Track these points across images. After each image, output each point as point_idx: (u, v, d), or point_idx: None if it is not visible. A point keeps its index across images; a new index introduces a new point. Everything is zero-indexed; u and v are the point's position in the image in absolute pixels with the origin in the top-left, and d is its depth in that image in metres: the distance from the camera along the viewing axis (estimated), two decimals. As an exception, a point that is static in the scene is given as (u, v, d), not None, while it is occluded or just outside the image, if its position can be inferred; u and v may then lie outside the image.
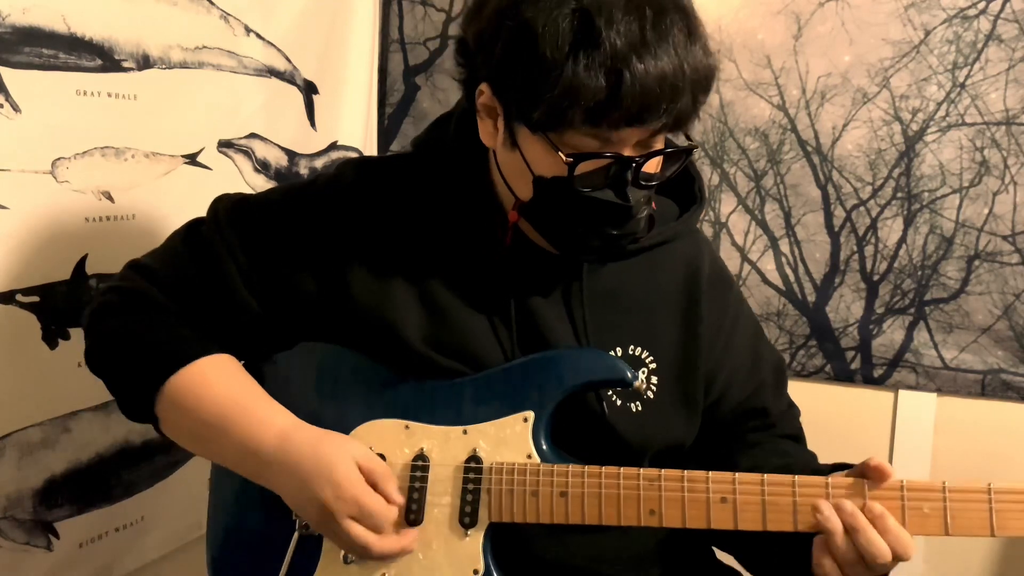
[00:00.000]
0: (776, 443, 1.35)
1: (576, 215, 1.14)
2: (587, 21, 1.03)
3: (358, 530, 1.13)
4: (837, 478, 1.13)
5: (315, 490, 1.14)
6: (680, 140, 1.18)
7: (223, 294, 1.25)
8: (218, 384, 1.21)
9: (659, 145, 1.13)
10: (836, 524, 1.09)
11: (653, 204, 1.20)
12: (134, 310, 1.25)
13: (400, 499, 1.17)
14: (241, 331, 1.26)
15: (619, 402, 1.24)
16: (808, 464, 1.27)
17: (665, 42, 1.04)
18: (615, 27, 1.03)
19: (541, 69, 1.05)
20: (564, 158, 1.09)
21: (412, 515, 1.18)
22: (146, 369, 1.21)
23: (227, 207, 1.29)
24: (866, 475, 1.12)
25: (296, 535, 1.22)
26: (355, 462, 1.15)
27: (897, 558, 1.09)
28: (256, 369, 1.28)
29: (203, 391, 1.20)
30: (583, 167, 1.10)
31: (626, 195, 1.11)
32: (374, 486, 1.15)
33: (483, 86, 1.14)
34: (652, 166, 1.15)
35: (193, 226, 1.31)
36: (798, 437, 1.39)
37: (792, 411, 1.41)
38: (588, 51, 1.03)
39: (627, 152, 1.10)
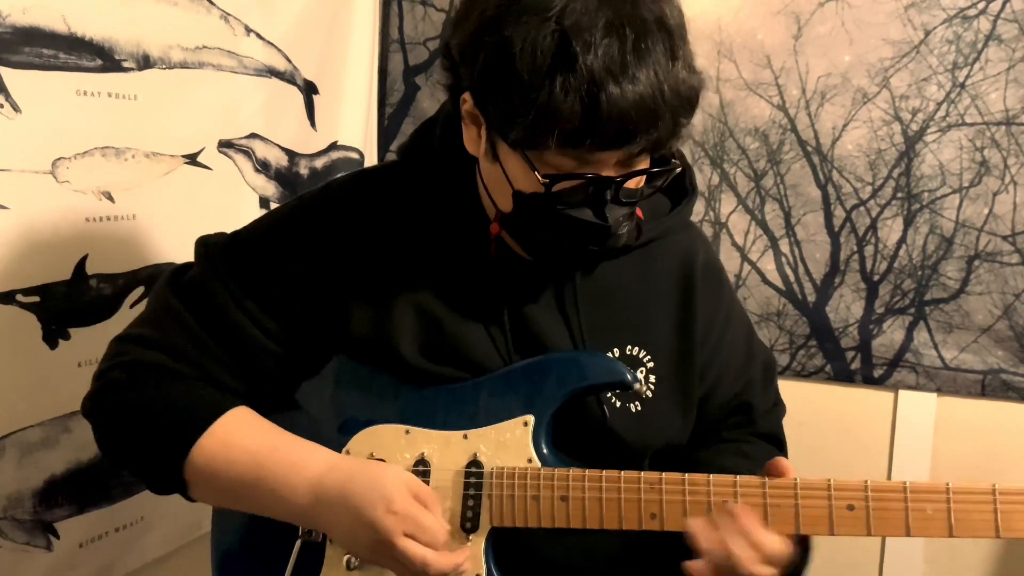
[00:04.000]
0: (746, 443, 1.34)
1: (554, 232, 1.13)
2: (565, 43, 1.00)
3: (416, 548, 1.11)
4: (838, 480, 1.12)
5: (366, 510, 1.12)
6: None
7: (237, 340, 1.22)
8: (246, 438, 1.18)
9: (643, 163, 1.11)
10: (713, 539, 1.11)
11: (639, 211, 1.19)
12: (143, 383, 1.20)
13: (446, 523, 1.16)
14: (258, 372, 1.24)
15: (618, 403, 1.24)
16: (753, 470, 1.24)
17: (644, 65, 1.01)
18: (592, 50, 1.00)
19: (518, 90, 1.02)
20: (540, 178, 1.07)
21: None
22: (169, 441, 1.17)
23: (218, 251, 1.26)
24: (768, 473, 1.14)
25: (299, 542, 1.22)
26: (403, 482, 1.14)
27: (769, 559, 1.10)
28: (264, 390, 1.26)
29: (232, 450, 1.17)
30: (561, 185, 1.08)
31: (604, 214, 1.09)
32: (423, 505, 1.14)
33: (467, 95, 1.12)
34: (635, 182, 1.13)
35: (176, 277, 1.26)
36: (777, 437, 1.39)
37: (776, 410, 1.41)
38: (564, 74, 1.00)
39: (607, 171, 1.08)
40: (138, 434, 1.20)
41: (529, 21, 1.02)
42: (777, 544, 1.11)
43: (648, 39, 1.02)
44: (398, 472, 1.16)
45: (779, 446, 1.39)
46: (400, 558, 1.11)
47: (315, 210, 1.26)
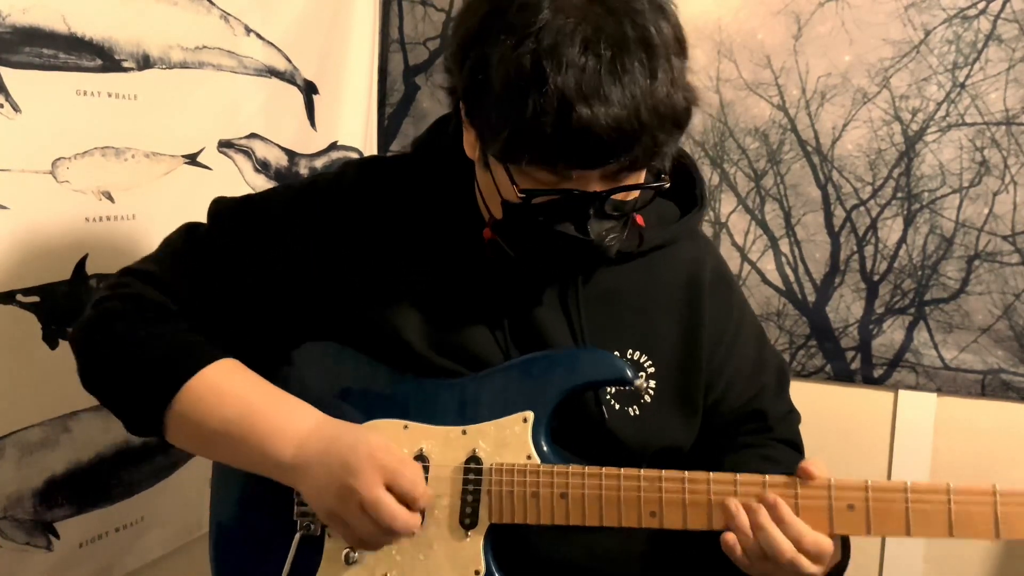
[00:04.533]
0: (766, 447, 1.34)
1: (539, 243, 1.13)
2: (538, 63, 1.00)
3: (389, 499, 1.10)
4: (839, 480, 1.12)
5: (350, 454, 1.11)
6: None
7: (231, 294, 1.23)
8: (238, 386, 1.18)
9: (633, 177, 1.10)
10: (743, 521, 1.11)
11: (639, 218, 1.18)
12: (137, 316, 1.21)
13: (424, 487, 1.16)
14: (247, 330, 1.25)
15: (617, 406, 1.24)
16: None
17: (619, 84, 0.99)
18: (565, 71, 0.99)
19: (494, 107, 1.03)
20: (517, 193, 1.07)
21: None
22: (156, 380, 1.17)
23: (229, 208, 1.29)
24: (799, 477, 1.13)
25: (298, 534, 1.22)
26: (392, 446, 1.16)
27: (808, 553, 1.09)
28: (257, 369, 1.27)
29: (223, 395, 1.17)
30: (540, 199, 1.08)
31: (586, 229, 1.09)
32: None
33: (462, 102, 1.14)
34: (625, 194, 1.12)
35: (192, 228, 1.29)
36: (795, 443, 1.38)
37: (792, 416, 1.40)
38: (537, 95, 0.99)
39: (593, 186, 1.07)
40: (126, 366, 1.19)
41: (508, 39, 1.02)
42: (820, 541, 1.10)
43: (624, 57, 1.01)
44: (390, 442, 1.16)
45: (797, 451, 1.38)
46: (368, 506, 1.10)
47: (320, 194, 1.27)
